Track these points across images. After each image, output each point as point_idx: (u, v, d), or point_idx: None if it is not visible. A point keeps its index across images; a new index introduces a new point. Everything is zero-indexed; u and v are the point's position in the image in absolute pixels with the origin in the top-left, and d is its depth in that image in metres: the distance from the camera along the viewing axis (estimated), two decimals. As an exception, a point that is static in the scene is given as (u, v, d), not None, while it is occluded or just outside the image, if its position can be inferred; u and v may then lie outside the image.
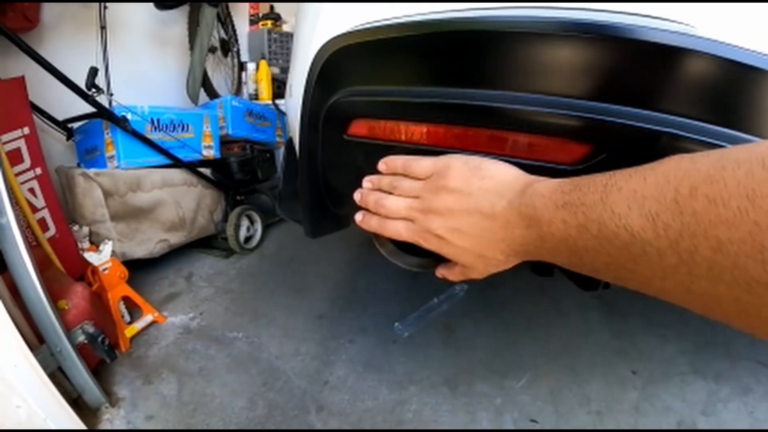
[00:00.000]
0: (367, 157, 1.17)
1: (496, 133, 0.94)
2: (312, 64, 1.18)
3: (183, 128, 2.84)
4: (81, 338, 1.69)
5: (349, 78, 1.13)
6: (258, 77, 4.05)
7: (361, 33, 1.06)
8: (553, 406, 1.76)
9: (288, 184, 1.84)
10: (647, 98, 0.89)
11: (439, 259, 1.15)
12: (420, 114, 1.02)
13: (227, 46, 3.92)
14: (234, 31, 3.96)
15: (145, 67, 3.41)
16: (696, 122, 0.88)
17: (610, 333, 2.20)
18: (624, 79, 0.90)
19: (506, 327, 2.24)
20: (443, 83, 1.00)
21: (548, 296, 2.53)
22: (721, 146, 0.87)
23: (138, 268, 2.60)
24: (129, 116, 2.50)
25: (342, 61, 1.12)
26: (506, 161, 0.95)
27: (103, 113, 2.42)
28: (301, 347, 2.08)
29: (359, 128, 1.12)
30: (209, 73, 3.62)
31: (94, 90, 2.36)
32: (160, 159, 2.71)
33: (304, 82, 1.23)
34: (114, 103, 2.64)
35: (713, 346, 2.11)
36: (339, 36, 1.10)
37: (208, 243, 3.12)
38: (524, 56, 0.92)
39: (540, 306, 2.44)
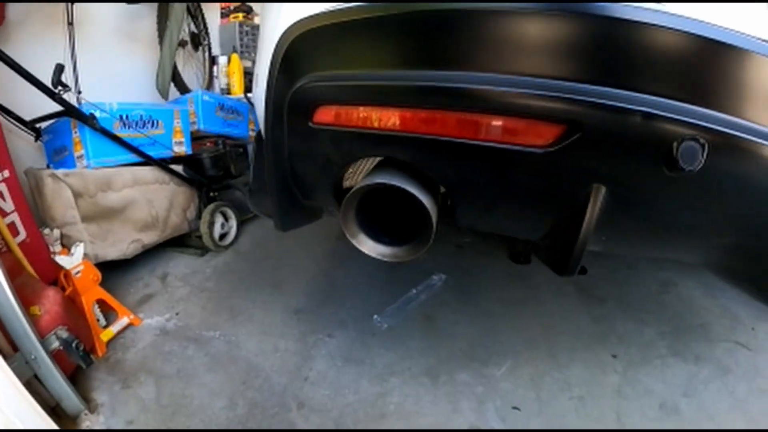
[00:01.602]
0: (334, 146, 1.13)
1: (464, 116, 0.91)
2: (275, 49, 1.14)
3: (153, 124, 2.76)
4: (55, 344, 1.63)
5: (313, 63, 1.10)
6: (230, 71, 3.98)
7: (324, 16, 1.03)
8: (535, 392, 1.75)
9: (258, 178, 1.80)
10: (619, 76, 0.86)
11: (415, 246, 1.13)
12: (385, 98, 0.98)
13: (198, 40, 3.84)
14: (205, 24, 3.88)
15: (114, 63, 3.31)
16: (669, 101, 0.85)
17: (589, 318, 2.20)
18: (595, 57, 0.87)
19: (485, 315, 2.23)
20: (407, 65, 0.96)
21: (526, 284, 2.52)
22: (693, 124, 0.85)
23: (112, 270, 2.53)
24: (97, 114, 2.43)
25: (306, 45, 1.09)
26: (477, 146, 0.92)
27: (71, 111, 2.34)
28: (280, 343, 2.05)
29: (325, 115, 1.09)
30: (180, 68, 3.54)
31: (60, 87, 2.26)
32: (131, 157, 2.63)
33: (268, 69, 1.18)
34: (82, 101, 2.54)
35: (692, 329, 2.12)
36: (303, 19, 1.07)
37: (183, 242, 3.03)
38: (492, 35, 0.89)
39: (518, 294, 2.43)
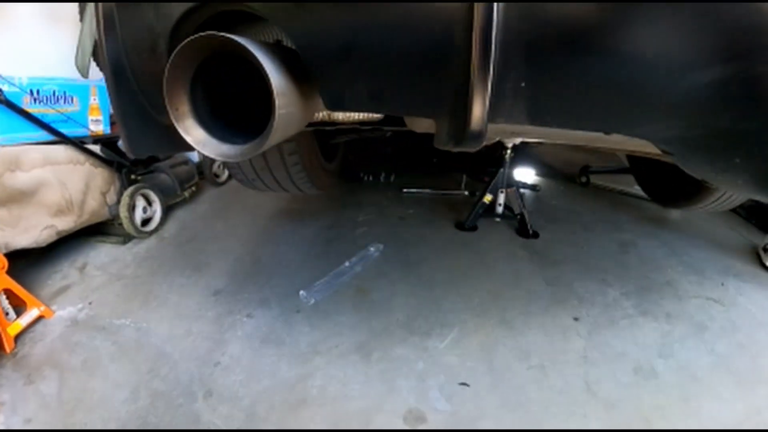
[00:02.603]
0: (155, 8, 0.76)
1: None
2: None
3: (67, 100, 2.42)
4: None
5: None
6: (161, 52, 3.56)
7: None
8: (487, 364, 1.50)
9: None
10: None
11: (262, 137, 0.74)
12: None
13: (123, 20, 3.41)
14: (132, 3, 3.45)
15: (36, 43, 2.86)
16: None
17: (544, 281, 1.95)
18: None
19: (427, 285, 1.94)
20: None
21: (473, 250, 2.24)
22: None
23: (31, 263, 2.22)
24: (6, 87, 2.11)
25: None
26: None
27: (-29, 84, 2.00)
28: (193, 327, 1.74)
29: None
30: (103, 48, 3.11)
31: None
32: (43, 135, 2.29)
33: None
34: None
35: (658, 287, 1.91)
36: None
37: (105, 229, 2.62)
38: None
39: (463, 260, 2.15)
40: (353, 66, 0.74)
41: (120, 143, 1.40)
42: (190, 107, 0.73)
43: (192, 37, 0.65)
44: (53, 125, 2.29)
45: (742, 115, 0.68)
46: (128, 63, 0.90)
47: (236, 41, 0.63)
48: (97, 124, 2.52)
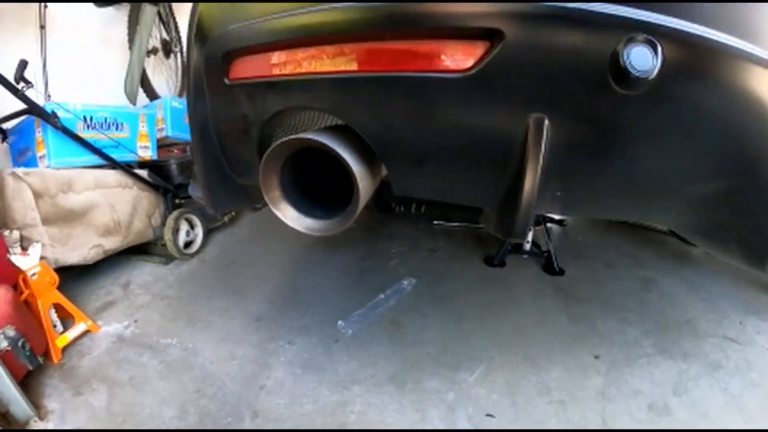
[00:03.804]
0: (250, 101, 0.94)
1: (374, 46, 0.71)
2: (190, 17, 1.10)
3: (117, 127, 2.59)
4: (3, 345, 1.48)
5: (222, 18, 0.96)
6: (202, 80, 3.75)
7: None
8: (511, 398, 1.58)
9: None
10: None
11: (343, 218, 0.91)
12: (290, 36, 0.79)
13: (169, 47, 3.64)
14: (177, 31, 3.69)
15: (87, 68, 3.13)
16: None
17: (568, 319, 2.04)
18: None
19: (457, 319, 2.05)
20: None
21: (501, 286, 2.34)
22: (637, 21, 0.65)
23: (75, 278, 2.39)
24: (61, 113, 2.26)
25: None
26: (392, 79, 0.72)
27: (32, 109, 2.16)
28: (238, 351, 1.86)
29: (237, 69, 0.98)
30: (150, 75, 3.34)
31: (23, 84, 2.09)
32: (94, 159, 2.46)
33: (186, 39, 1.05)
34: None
35: (677, 326, 1.99)
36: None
37: (148, 249, 2.81)
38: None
39: (492, 296, 2.25)
40: (421, 169, 0.90)
41: (190, 189, 1.56)
42: (281, 192, 0.90)
43: (285, 139, 0.83)
44: (104, 150, 2.46)
45: (738, 214, 0.84)
46: (216, 135, 1.08)
47: (325, 144, 0.80)
48: (145, 150, 2.71)
